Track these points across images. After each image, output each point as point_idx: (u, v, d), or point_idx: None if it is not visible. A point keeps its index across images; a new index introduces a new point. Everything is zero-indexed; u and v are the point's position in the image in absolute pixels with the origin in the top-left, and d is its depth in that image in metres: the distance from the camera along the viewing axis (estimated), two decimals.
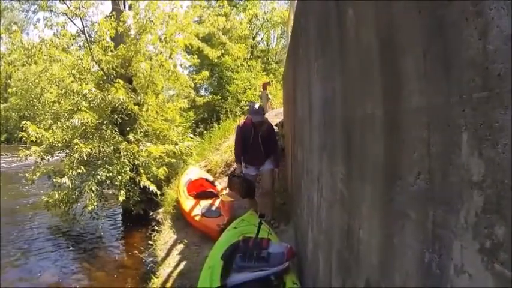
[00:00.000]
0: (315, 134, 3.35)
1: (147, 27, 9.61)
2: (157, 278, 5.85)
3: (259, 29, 26.65)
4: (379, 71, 1.50)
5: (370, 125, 1.61)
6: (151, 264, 6.57)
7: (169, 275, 5.87)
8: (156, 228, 8.29)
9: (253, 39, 25.92)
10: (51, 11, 10.58)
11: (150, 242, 7.48)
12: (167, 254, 6.57)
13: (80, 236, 9.36)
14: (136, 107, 9.50)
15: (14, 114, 43.78)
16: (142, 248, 7.80)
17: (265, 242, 4.37)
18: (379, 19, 1.49)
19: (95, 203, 8.60)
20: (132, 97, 9.42)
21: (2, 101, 46.12)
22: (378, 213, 1.55)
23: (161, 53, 9.85)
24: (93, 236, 9.33)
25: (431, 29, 1.05)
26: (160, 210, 8.95)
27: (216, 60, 12.38)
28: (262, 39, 27.81)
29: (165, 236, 7.28)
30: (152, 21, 9.59)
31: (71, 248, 8.73)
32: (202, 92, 22.46)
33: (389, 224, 1.40)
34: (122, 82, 9.09)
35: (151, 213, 9.24)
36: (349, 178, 2.04)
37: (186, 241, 6.73)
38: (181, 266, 6.10)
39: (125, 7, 10.69)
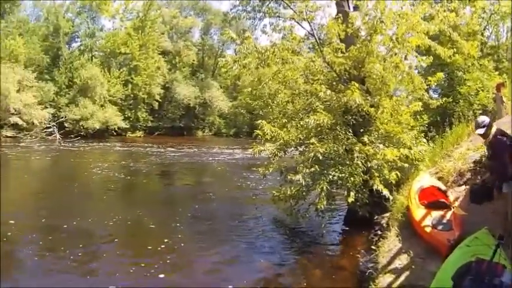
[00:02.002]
0: None
1: (378, 28, 9.36)
2: (375, 285, 5.72)
3: (487, 22, 23.54)
4: None
5: None
6: (371, 271, 6.43)
7: (389, 285, 5.68)
8: (380, 233, 8.10)
9: (482, 35, 22.95)
10: (279, 16, 11.16)
11: (372, 246, 7.34)
12: (389, 263, 6.35)
13: (301, 231, 9.73)
14: (372, 109, 9.38)
15: (242, 111, 50.14)
16: (363, 252, 7.73)
17: (499, 268, 3.99)
18: None
19: (325, 202, 8.65)
20: (367, 99, 9.34)
21: (231, 100, 52.76)
22: None
23: (396, 54, 9.53)
24: (315, 233, 9.62)
25: None
26: (386, 215, 8.71)
27: (447, 60, 11.39)
28: (491, 34, 24.52)
29: (390, 244, 7.00)
30: (383, 21, 9.32)
31: (292, 241, 9.19)
32: (430, 93, 21.08)
33: None
34: (357, 84, 9.07)
35: (376, 217, 9.07)
36: None
37: (410, 252, 6.37)
38: (402, 277, 5.85)
39: (349, 8, 10.65)
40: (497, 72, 20.73)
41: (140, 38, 45.78)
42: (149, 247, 8.21)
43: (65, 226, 9.18)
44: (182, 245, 8.44)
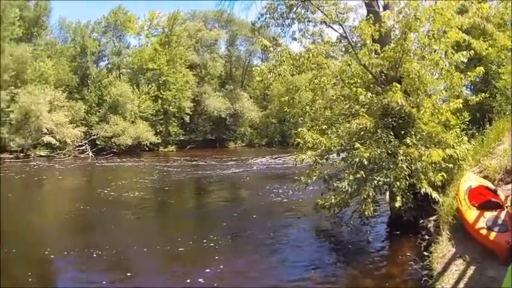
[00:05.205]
0: None
1: (412, 25, 9.00)
2: None
3: None
4: None
5: None
6: (426, 278, 6.13)
7: None
8: (428, 238, 7.76)
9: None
10: (309, 21, 10.84)
11: (424, 252, 7.02)
12: (444, 269, 6.01)
13: (347, 240, 9.39)
14: (414, 109, 9.09)
15: (273, 120, 50.19)
16: (412, 257, 7.40)
17: None
18: None
19: (371, 208, 8.45)
20: (409, 99, 9.04)
21: (262, 109, 52.66)
22: None
23: (435, 51, 9.17)
24: (360, 240, 9.29)
25: None
26: (432, 219, 8.36)
27: (482, 54, 10.85)
28: None
29: (443, 248, 6.66)
30: (418, 18, 8.98)
31: (338, 251, 8.88)
32: (463, 89, 20.27)
33: None
34: (398, 86, 8.80)
35: (421, 221, 8.72)
36: None
37: (466, 256, 6.02)
38: (461, 284, 5.51)
39: (379, 8, 10.33)
40: None
41: (167, 53, 46.32)
42: (187, 279, 7.26)
43: (97, 251, 8.72)
44: (222, 267, 7.74)
